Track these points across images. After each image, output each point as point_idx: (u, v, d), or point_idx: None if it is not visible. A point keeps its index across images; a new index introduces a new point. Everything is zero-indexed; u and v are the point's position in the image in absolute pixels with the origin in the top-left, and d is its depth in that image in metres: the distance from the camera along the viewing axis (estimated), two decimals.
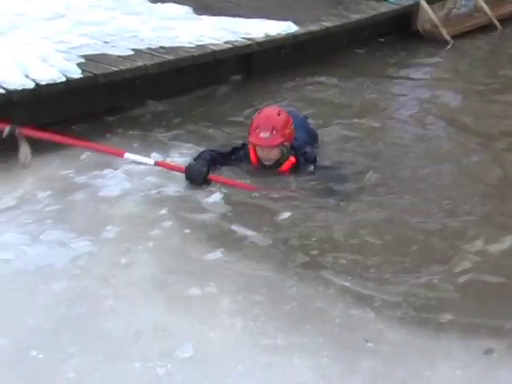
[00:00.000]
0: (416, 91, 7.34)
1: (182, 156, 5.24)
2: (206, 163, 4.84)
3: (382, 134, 6.11)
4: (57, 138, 4.90)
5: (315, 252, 4.10)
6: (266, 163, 4.94)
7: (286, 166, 4.94)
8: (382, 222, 4.47)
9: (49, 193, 4.61)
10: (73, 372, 3.13)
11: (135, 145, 5.45)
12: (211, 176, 4.76)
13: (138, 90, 6.26)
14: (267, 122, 4.83)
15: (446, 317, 3.57)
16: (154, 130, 5.81)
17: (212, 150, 5.07)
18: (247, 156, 4.99)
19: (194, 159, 4.97)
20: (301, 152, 5.00)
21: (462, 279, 3.87)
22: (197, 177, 4.72)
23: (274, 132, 4.77)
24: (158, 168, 4.97)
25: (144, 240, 4.12)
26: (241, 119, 6.12)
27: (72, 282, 3.74)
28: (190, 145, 5.45)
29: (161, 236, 4.18)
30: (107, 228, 4.19)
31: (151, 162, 4.67)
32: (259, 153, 4.90)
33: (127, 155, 4.61)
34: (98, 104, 5.97)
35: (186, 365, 3.19)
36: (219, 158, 5.03)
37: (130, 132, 5.73)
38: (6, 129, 4.67)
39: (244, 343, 3.35)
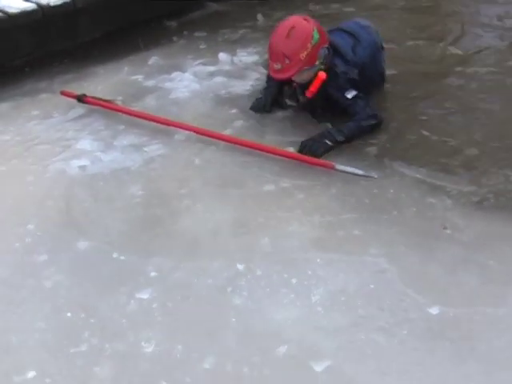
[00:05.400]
0: None
1: (249, 55, 5.18)
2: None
3: None
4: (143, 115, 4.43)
5: (384, 144, 4.04)
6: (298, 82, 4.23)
7: (313, 85, 4.10)
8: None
9: (120, 98, 4.62)
10: (154, 271, 3.19)
11: (202, 46, 5.43)
12: None
13: None
14: (276, 49, 4.03)
15: None
16: (219, 30, 5.73)
17: None
18: None
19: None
20: (340, 70, 4.15)
21: None
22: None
23: (287, 61, 3.97)
24: (227, 68, 4.96)
25: (216, 140, 4.11)
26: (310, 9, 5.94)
27: (147, 185, 3.79)
28: (256, 44, 5.36)
29: (232, 135, 4.15)
30: (178, 130, 4.18)
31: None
32: None
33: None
34: (160, 8, 5.90)
35: (265, 259, 3.22)
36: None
37: (196, 34, 5.68)
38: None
39: (322, 236, 3.36)
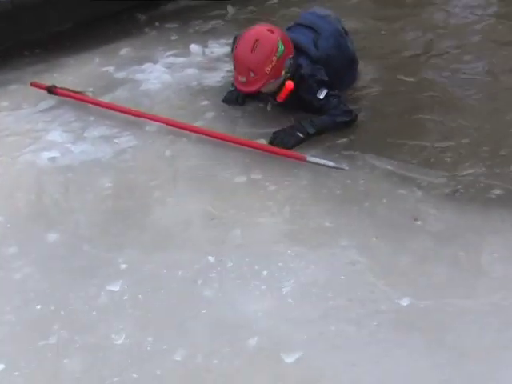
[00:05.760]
0: None
1: (220, 46, 5.16)
2: None
3: None
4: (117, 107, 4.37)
5: (355, 136, 4.05)
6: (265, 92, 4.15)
7: (282, 93, 4.06)
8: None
9: (90, 90, 4.59)
10: (125, 263, 3.18)
11: (173, 37, 5.39)
12: None
13: None
14: (240, 63, 3.97)
15: (495, 192, 3.53)
16: (191, 22, 5.68)
17: None
18: None
19: None
20: (307, 72, 4.08)
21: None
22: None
23: (251, 74, 3.91)
24: (198, 59, 4.94)
25: (188, 132, 4.09)
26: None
27: (118, 177, 3.77)
28: (227, 35, 5.33)
29: (204, 127, 4.13)
30: (150, 122, 4.16)
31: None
32: None
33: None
34: (130, 1, 5.84)
35: (235, 251, 3.22)
36: None
37: (167, 25, 5.63)
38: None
39: (293, 227, 3.37)
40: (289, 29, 4.33)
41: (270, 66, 3.92)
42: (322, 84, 4.09)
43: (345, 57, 4.38)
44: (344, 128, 4.07)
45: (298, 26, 4.36)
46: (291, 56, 4.03)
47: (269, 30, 4.00)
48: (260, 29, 4.04)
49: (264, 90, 4.07)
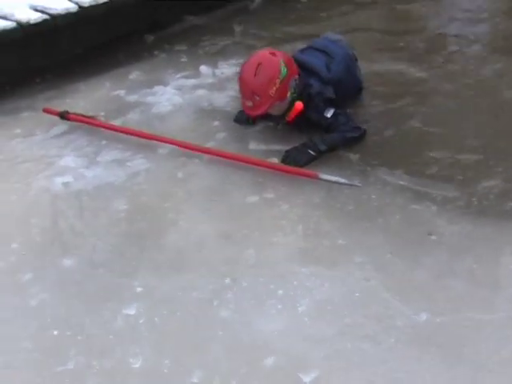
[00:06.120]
0: None
1: (229, 67, 5.18)
2: None
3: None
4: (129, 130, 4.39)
5: (366, 152, 4.05)
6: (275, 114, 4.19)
7: (292, 114, 4.12)
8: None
9: (102, 114, 4.62)
10: (140, 286, 3.18)
11: (183, 59, 5.42)
12: None
13: (176, 5, 6.15)
14: (245, 87, 4.03)
15: (510, 204, 3.52)
16: (199, 43, 5.73)
17: None
18: None
19: None
20: (315, 91, 4.12)
21: None
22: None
23: (257, 97, 3.96)
24: (208, 80, 4.97)
25: (199, 153, 4.10)
26: (281, 31, 5.90)
27: (131, 200, 3.78)
28: (236, 56, 5.35)
29: (215, 147, 4.15)
30: (162, 144, 4.18)
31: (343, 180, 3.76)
32: None
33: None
34: (139, 22, 5.87)
35: (250, 271, 3.22)
36: None
37: (177, 47, 5.67)
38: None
39: (307, 245, 3.37)
40: (302, 51, 4.38)
41: (274, 89, 3.95)
42: (329, 103, 4.11)
43: (354, 82, 4.47)
44: (354, 144, 4.08)
45: (310, 49, 4.42)
46: (296, 77, 4.07)
47: (271, 54, 4.04)
48: (262, 53, 4.09)
49: (272, 111, 4.10)
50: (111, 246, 3.46)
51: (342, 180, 3.73)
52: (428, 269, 3.17)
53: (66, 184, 3.93)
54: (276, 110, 4.11)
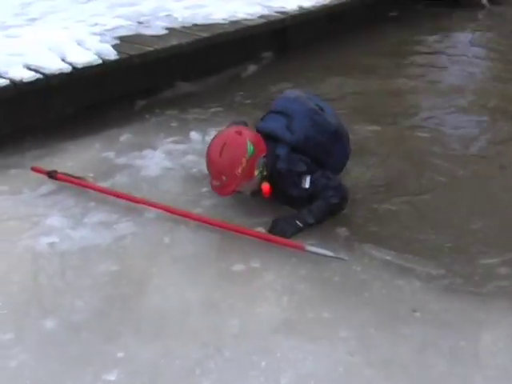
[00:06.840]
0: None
1: None
2: None
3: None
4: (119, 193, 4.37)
5: (353, 225, 4.08)
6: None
7: (264, 193, 4.08)
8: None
9: (91, 175, 4.62)
10: (122, 351, 3.15)
11: (173, 124, 5.48)
12: None
13: (171, 71, 6.27)
14: (211, 167, 3.99)
15: (496, 283, 3.56)
16: (190, 110, 5.79)
17: None
18: None
19: None
20: (284, 168, 4.03)
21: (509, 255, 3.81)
22: None
23: (223, 177, 3.92)
24: (198, 146, 4.99)
25: (186, 219, 4.10)
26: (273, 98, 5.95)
27: (117, 263, 3.76)
28: (226, 122, 5.39)
29: (203, 214, 4.15)
30: (149, 208, 4.18)
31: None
32: None
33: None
34: (132, 86, 5.97)
35: (233, 340, 3.20)
36: None
37: (168, 112, 5.73)
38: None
39: (291, 317, 3.35)
40: (262, 119, 4.34)
41: (240, 168, 3.90)
42: (303, 173, 4.05)
43: (326, 132, 4.23)
44: (339, 210, 4.08)
45: (270, 114, 4.34)
46: (263, 155, 4.01)
47: (237, 133, 3.99)
48: (228, 133, 4.07)
49: (243, 190, 4.09)
50: (94, 308, 3.43)
51: (329, 253, 3.73)
52: (411, 346, 3.17)
53: (51, 244, 3.90)
54: (246, 189, 4.09)
